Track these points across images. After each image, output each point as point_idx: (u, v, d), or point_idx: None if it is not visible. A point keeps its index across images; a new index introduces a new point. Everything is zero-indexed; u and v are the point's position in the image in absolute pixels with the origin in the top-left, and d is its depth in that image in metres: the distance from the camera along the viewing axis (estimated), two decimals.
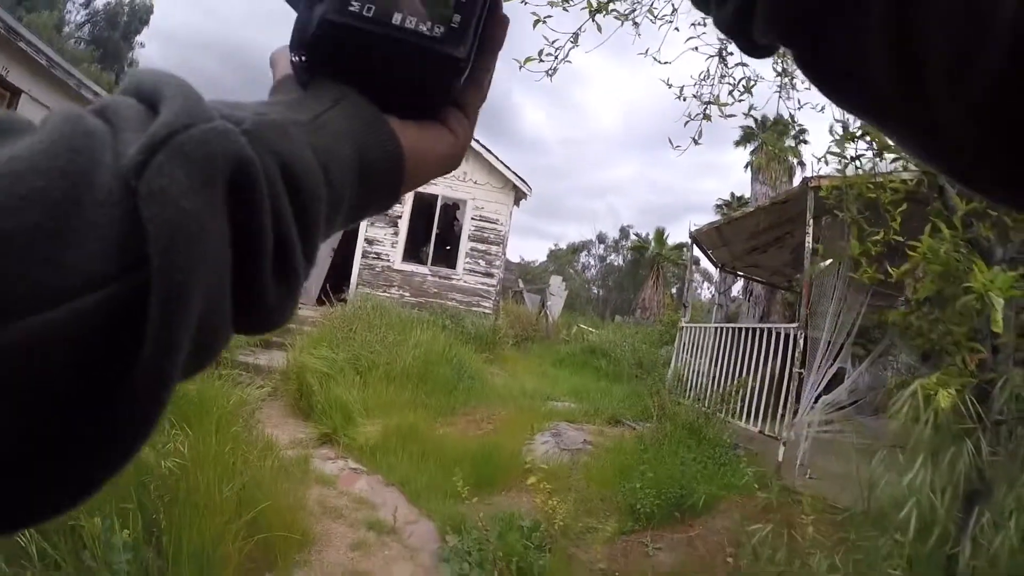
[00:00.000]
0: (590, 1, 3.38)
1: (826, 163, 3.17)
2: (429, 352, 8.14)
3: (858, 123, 2.94)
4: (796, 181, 13.91)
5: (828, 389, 6.54)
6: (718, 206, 33.30)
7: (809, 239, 6.59)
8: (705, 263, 12.27)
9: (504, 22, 0.41)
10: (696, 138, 3.56)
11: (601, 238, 45.36)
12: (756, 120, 16.93)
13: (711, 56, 3.65)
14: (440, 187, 12.59)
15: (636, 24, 3.56)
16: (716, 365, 8.35)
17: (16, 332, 0.19)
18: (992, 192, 0.29)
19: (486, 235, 12.70)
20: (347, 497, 4.53)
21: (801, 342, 6.64)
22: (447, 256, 13.10)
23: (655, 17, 3.55)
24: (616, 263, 44.33)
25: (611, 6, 3.43)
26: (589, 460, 5.89)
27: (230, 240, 0.25)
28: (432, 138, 0.38)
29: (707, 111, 3.55)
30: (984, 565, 2.50)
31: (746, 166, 23.21)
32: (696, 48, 3.45)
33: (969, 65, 0.23)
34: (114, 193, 0.22)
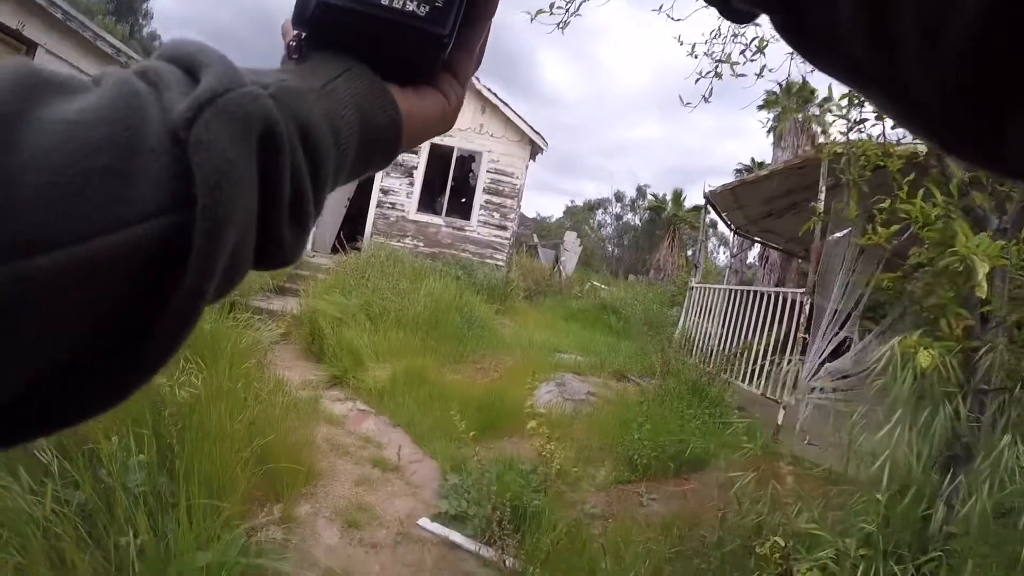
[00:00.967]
0: None
1: (844, 132, 3.17)
2: (440, 301, 8.27)
3: None
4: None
5: (833, 358, 6.55)
6: (738, 171, 32.70)
7: (820, 206, 6.55)
8: (723, 228, 12.16)
9: None
10: (707, 96, 3.56)
11: (619, 196, 44.98)
12: (780, 85, 16.58)
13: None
14: (456, 139, 12.55)
15: None
16: (723, 326, 8.40)
17: (95, 246, 0.23)
18: (973, 157, 0.29)
19: (501, 188, 12.70)
20: (354, 436, 4.71)
21: (808, 308, 6.67)
22: (462, 208, 13.12)
23: None
24: (632, 222, 44.01)
25: None
26: (591, 411, 6.03)
27: (257, 186, 0.29)
28: (427, 103, 0.42)
29: (718, 69, 3.53)
30: (957, 530, 2.59)
31: (768, 131, 22.75)
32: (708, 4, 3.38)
33: (942, 25, 0.24)
34: (163, 142, 0.26)
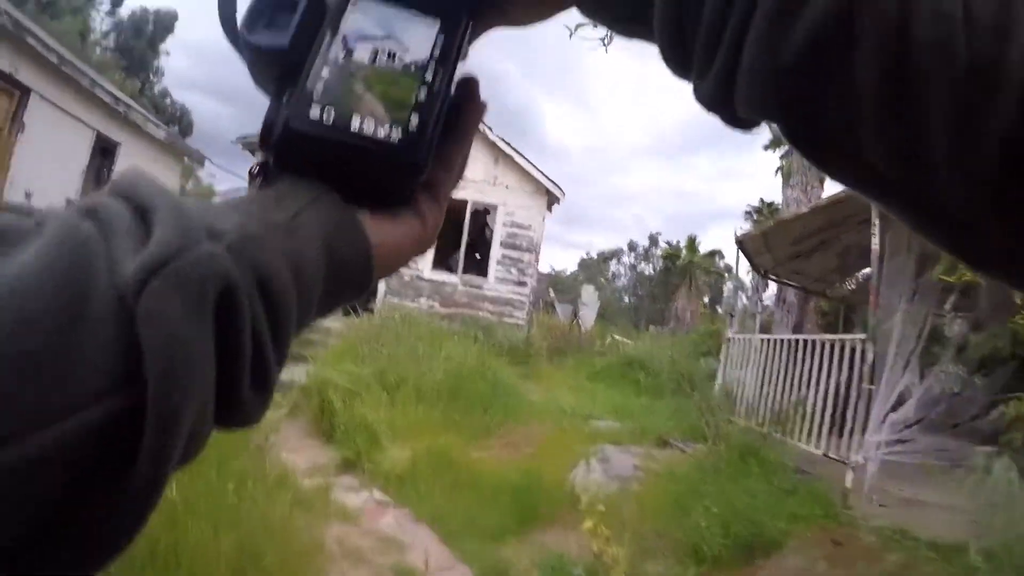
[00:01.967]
0: None
1: None
2: (461, 366, 7.58)
3: None
4: (826, 186, 13.18)
5: (894, 406, 6.00)
6: (748, 212, 32.56)
7: (875, 240, 5.96)
8: (740, 272, 11.60)
9: (479, 110, 0.43)
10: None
11: (632, 246, 44.72)
12: None
13: None
14: (470, 191, 12.10)
15: None
16: (770, 380, 7.69)
17: (33, 446, 0.21)
18: (1000, 271, 0.28)
19: (518, 242, 12.14)
20: (371, 536, 3.98)
21: (870, 355, 6.09)
22: (478, 264, 12.60)
23: None
24: (646, 272, 43.67)
25: None
26: (641, 489, 5.28)
27: (215, 355, 0.26)
28: (402, 230, 0.39)
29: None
30: None
31: (776, 171, 22.45)
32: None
33: (974, 135, 0.23)
34: (110, 307, 0.23)
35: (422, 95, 0.37)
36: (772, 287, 13.08)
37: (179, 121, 33.61)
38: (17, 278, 0.22)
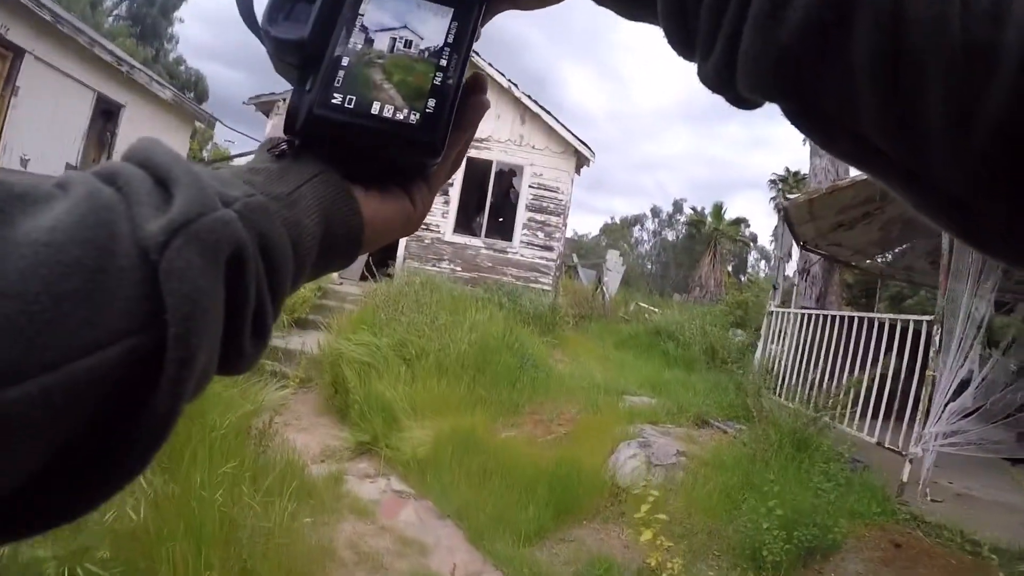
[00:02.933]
0: None
1: None
2: (486, 336, 7.01)
3: None
4: None
5: (957, 395, 5.55)
6: (772, 181, 31.57)
7: None
8: (762, 241, 10.99)
9: (482, 106, 0.44)
10: None
11: (655, 212, 43.74)
12: None
13: None
14: (495, 151, 11.42)
15: None
16: (818, 358, 7.08)
17: (65, 373, 0.23)
18: (994, 248, 0.28)
19: (545, 204, 11.48)
20: (389, 535, 3.49)
21: (937, 339, 5.54)
22: (502, 227, 11.95)
23: None
24: (670, 238, 42.77)
25: None
26: (687, 479, 4.76)
27: (224, 307, 0.29)
28: (392, 208, 0.42)
29: None
30: None
31: (804, 140, 21.51)
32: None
33: (969, 115, 0.23)
34: (133, 260, 0.26)
35: (438, 80, 0.39)
36: (795, 258, 12.38)
37: (194, 87, 32.86)
38: (50, 231, 0.24)
